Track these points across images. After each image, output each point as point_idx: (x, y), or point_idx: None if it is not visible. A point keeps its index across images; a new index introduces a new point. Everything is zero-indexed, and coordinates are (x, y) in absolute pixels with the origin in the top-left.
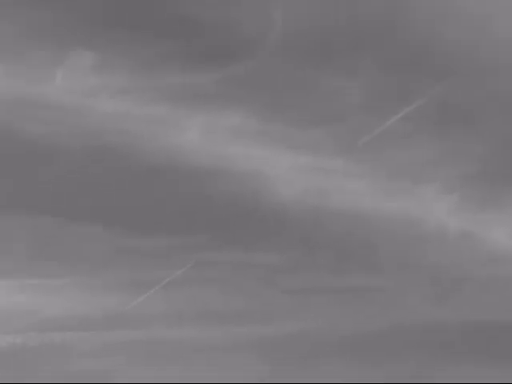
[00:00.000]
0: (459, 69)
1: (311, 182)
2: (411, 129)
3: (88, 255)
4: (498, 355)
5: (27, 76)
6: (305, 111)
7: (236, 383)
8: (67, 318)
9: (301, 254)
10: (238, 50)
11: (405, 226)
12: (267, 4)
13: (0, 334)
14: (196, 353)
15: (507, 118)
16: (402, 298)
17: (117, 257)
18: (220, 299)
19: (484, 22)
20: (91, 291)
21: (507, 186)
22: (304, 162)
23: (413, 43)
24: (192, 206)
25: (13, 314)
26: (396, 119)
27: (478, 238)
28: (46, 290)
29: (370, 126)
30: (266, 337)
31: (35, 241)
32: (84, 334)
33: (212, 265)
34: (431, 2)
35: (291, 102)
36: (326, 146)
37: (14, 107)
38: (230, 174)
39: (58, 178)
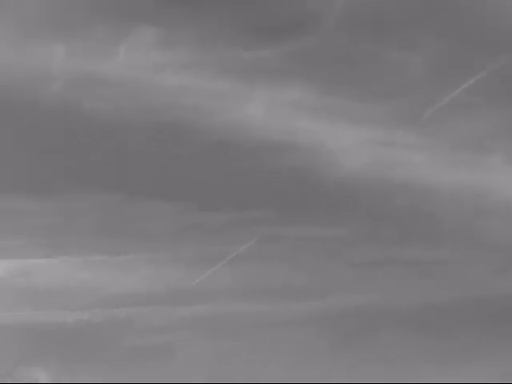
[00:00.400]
0: None
1: (375, 155)
2: (474, 101)
3: (153, 231)
4: None
5: (90, 53)
6: (367, 85)
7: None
8: (132, 294)
9: (364, 227)
10: (301, 24)
11: (468, 198)
12: None
13: (66, 311)
14: (259, 327)
15: None
16: (466, 270)
17: (182, 232)
18: (284, 274)
19: None
20: (156, 267)
21: None
22: (367, 136)
23: (475, 17)
24: (256, 181)
25: (78, 290)
26: (459, 92)
27: None
28: (111, 266)
29: (433, 98)
30: (328, 310)
31: (100, 217)
32: (149, 309)
33: (276, 240)
34: None
35: (354, 76)
36: (389, 120)
37: (78, 84)
38: (293, 149)
39: (123, 155)
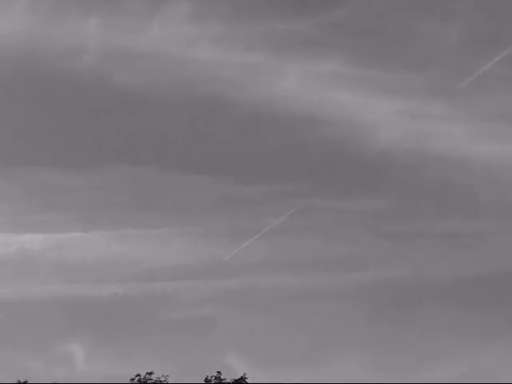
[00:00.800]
0: None
1: (410, 126)
2: (508, 72)
3: (187, 205)
4: None
5: (123, 26)
6: (402, 56)
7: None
8: (167, 267)
9: (399, 199)
10: None
11: (503, 170)
12: None
13: (101, 285)
14: (293, 300)
15: None
16: (500, 243)
17: (216, 206)
18: (318, 246)
19: None
20: (191, 241)
21: None
22: (402, 107)
23: None
24: (290, 154)
25: (114, 264)
26: (493, 63)
27: None
28: (146, 240)
29: (467, 70)
30: (363, 283)
31: (135, 191)
32: (184, 283)
33: (311, 212)
34: None
35: (388, 48)
36: (424, 91)
37: (111, 57)
38: (328, 121)
39: (157, 128)
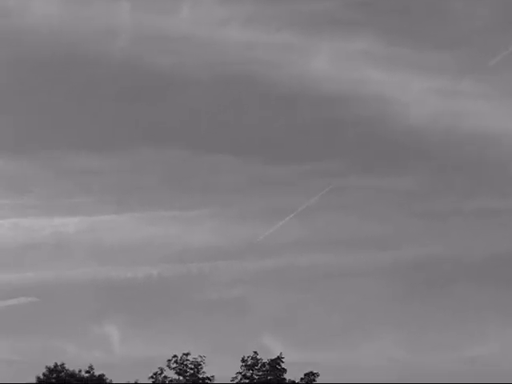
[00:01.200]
0: None
1: (441, 104)
2: None
3: (220, 186)
4: None
5: (154, 9)
6: (433, 34)
7: None
8: (201, 248)
9: (433, 177)
10: None
11: None
12: None
13: (135, 266)
14: (328, 278)
15: None
16: None
17: (250, 186)
18: (354, 225)
19: None
20: (225, 221)
21: None
22: (433, 85)
23: None
24: (323, 133)
25: (147, 246)
26: None
27: None
28: (179, 221)
29: (499, 47)
30: (398, 261)
31: (167, 173)
32: (218, 263)
33: (347, 191)
34: None
35: (419, 26)
36: (456, 69)
37: (142, 40)
38: (360, 100)
39: (188, 109)
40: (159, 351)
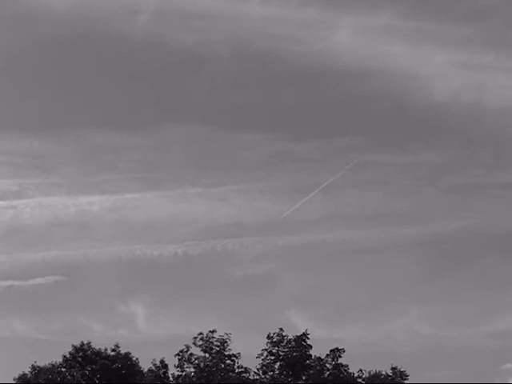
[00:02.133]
0: None
1: (465, 78)
2: None
3: (245, 162)
4: None
5: None
6: (456, 8)
7: None
8: (227, 225)
9: (459, 152)
10: None
11: None
12: None
13: (162, 244)
14: (354, 254)
15: None
16: None
17: (274, 162)
18: (380, 200)
19: None
20: (250, 198)
21: None
22: (457, 59)
23: None
24: (347, 108)
25: (173, 223)
26: None
27: None
28: (205, 198)
29: None
30: (425, 236)
31: (194, 150)
32: (245, 240)
33: (371, 166)
34: None
35: (440, 0)
36: (480, 42)
37: (164, 17)
38: (383, 74)
39: (211, 87)
40: (185, 329)
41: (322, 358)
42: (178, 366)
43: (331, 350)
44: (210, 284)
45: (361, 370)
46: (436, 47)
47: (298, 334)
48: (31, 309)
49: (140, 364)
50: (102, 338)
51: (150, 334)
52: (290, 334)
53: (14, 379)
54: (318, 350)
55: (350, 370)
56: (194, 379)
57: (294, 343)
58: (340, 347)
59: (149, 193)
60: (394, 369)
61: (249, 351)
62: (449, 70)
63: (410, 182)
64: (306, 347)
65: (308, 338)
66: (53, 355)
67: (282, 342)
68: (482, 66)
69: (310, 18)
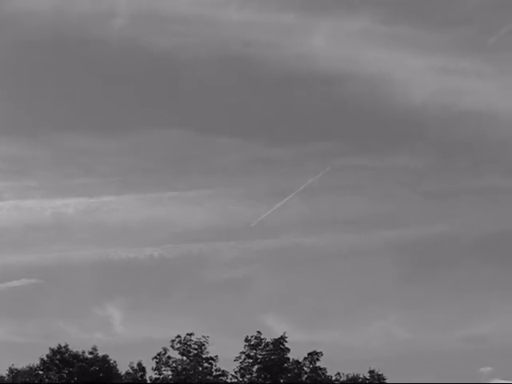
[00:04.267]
0: None
1: (442, 83)
2: None
3: (224, 166)
4: None
5: None
6: (433, 13)
7: None
8: (204, 228)
9: (435, 156)
10: None
11: None
12: None
13: (138, 247)
14: (330, 258)
15: None
16: None
17: (251, 167)
18: (357, 204)
19: None
20: (228, 201)
21: None
22: (433, 64)
23: None
24: (324, 113)
25: (150, 226)
26: None
27: None
28: (182, 202)
29: (498, 25)
30: (402, 240)
31: (170, 154)
32: (221, 244)
33: (348, 170)
34: None
35: (417, 4)
36: (455, 47)
37: (141, 21)
38: (360, 78)
39: (189, 91)
40: (161, 332)
41: (300, 361)
42: (155, 369)
43: (309, 354)
44: (186, 287)
45: (338, 374)
46: (413, 52)
47: (276, 338)
48: (7, 312)
49: (117, 367)
50: (79, 341)
51: (127, 337)
52: (267, 337)
53: None
54: (295, 354)
55: (327, 374)
56: (172, 382)
57: (271, 346)
58: (318, 350)
59: (125, 196)
60: (371, 372)
61: (226, 354)
62: (425, 75)
63: (387, 187)
64: (283, 350)
65: (286, 342)
66: (29, 358)
67: (260, 345)
68: (458, 71)
69: (288, 23)
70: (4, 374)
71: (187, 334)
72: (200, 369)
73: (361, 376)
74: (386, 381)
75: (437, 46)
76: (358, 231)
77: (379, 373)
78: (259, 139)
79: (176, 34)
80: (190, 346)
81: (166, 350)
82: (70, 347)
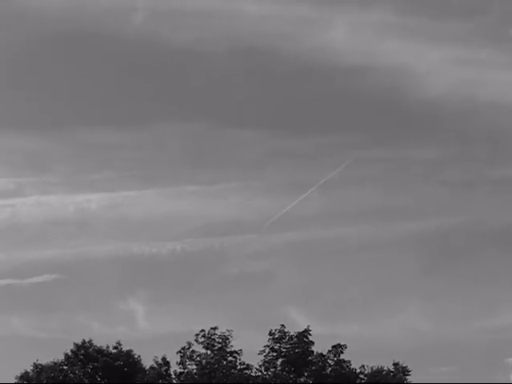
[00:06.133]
0: None
1: (461, 74)
2: None
3: (244, 159)
4: None
5: None
6: (451, 4)
7: None
8: (225, 222)
9: (455, 147)
10: None
11: None
12: None
13: (159, 242)
14: (352, 251)
15: None
16: None
17: (272, 160)
18: (377, 196)
19: None
20: (248, 195)
21: None
22: (452, 55)
23: None
24: (343, 105)
25: (171, 221)
26: None
27: None
28: (203, 196)
29: None
30: (423, 232)
31: (191, 148)
32: (242, 237)
33: (368, 163)
34: None
35: None
36: (474, 38)
37: (159, 16)
38: (379, 70)
39: (208, 83)
40: (183, 326)
41: (324, 354)
42: (180, 363)
43: (333, 346)
44: (208, 281)
45: (363, 366)
46: (431, 43)
47: (300, 331)
48: (30, 307)
49: (142, 361)
50: (102, 336)
51: (150, 331)
52: (290, 330)
53: (16, 378)
54: (320, 346)
55: (351, 366)
56: (196, 376)
57: (295, 340)
58: (342, 343)
59: (146, 190)
60: (395, 364)
61: (250, 348)
62: (444, 66)
63: (408, 178)
64: (307, 343)
65: (310, 335)
66: (53, 353)
67: (284, 339)
68: (477, 62)
69: (306, 15)
70: (29, 370)
71: (211, 328)
72: (224, 363)
73: (385, 368)
74: (411, 373)
75: (455, 37)
76: (379, 223)
77: (403, 365)
78: (279, 132)
79: (194, 28)
80: (214, 339)
81: (190, 344)
82: (94, 342)
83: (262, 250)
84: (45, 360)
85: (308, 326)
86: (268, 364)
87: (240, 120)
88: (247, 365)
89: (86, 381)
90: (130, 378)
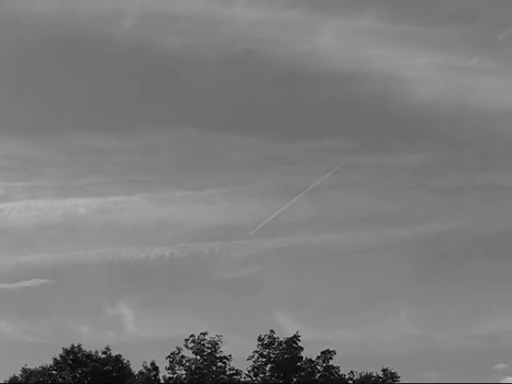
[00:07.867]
0: None
1: (449, 80)
2: None
3: (233, 165)
4: None
5: None
6: (440, 10)
7: None
8: (215, 227)
9: (443, 153)
10: None
11: None
12: None
13: (148, 247)
14: (341, 256)
15: None
16: None
17: (262, 165)
18: (366, 202)
19: None
20: (238, 200)
21: None
22: (442, 62)
23: None
24: (332, 111)
25: (160, 226)
26: None
27: None
28: (192, 201)
29: (507, 22)
30: (411, 238)
31: (180, 153)
32: (232, 242)
33: (357, 168)
34: None
35: (424, 2)
36: (462, 44)
37: (148, 21)
38: (368, 76)
39: (197, 89)
40: (172, 331)
41: (313, 359)
42: (169, 369)
43: (322, 352)
44: (196, 287)
45: (352, 372)
46: (419, 50)
47: (289, 336)
48: (19, 312)
49: (130, 366)
50: (91, 341)
51: (139, 336)
52: (279, 336)
53: (4, 382)
54: (307, 352)
55: (340, 372)
56: (185, 382)
57: (284, 345)
58: (331, 349)
59: (135, 195)
60: (384, 370)
61: (239, 353)
62: (432, 73)
63: (397, 184)
64: (296, 349)
65: (299, 340)
66: (42, 358)
67: (273, 344)
68: (466, 68)
69: (295, 21)
70: (17, 374)
71: (201, 334)
72: (214, 368)
73: (374, 374)
74: (399, 379)
75: (444, 43)
76: (369, 229)
77: (392, 371)
78: (269, 137)
79: (184, 33)
80: (203, 345)
81: (179, 349)
82: (83, 347)
83: (251, 255)
84: (33, 365)
85: (297, 331)
86: (257, 369)
87: (230, 125)
88: (236, 370)
89: None
90: (119, 383)
